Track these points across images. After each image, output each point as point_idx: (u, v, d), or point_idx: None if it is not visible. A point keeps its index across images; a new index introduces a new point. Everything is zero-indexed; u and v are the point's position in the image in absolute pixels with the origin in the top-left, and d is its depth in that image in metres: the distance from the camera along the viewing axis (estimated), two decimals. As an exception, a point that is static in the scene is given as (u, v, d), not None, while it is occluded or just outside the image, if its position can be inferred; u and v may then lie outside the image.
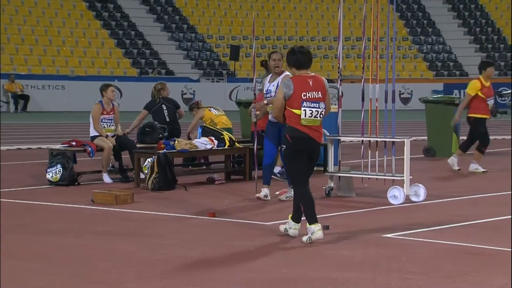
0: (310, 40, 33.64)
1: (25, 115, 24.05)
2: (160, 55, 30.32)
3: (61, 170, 9.00)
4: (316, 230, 5.92)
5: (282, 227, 6.21)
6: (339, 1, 8.30)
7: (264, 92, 8.07)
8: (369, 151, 8.35)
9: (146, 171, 8.92)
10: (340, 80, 8.52)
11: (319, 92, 6.07)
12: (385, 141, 8.30)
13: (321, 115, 6.05)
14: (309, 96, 6.01)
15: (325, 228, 6.42)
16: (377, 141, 8.33)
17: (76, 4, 30.83)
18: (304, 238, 5.93)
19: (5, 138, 15.72)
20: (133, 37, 30.71)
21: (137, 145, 9.74)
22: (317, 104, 6.03)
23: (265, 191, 7.95)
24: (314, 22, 34.62)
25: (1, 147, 12.68)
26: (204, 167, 10.58)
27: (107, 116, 9.71)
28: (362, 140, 8.47)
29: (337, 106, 8.68)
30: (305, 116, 5.98)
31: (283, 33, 33.76)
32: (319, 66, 32.56)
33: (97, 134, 9.61)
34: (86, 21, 30.31)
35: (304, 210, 6.00)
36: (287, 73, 7.69)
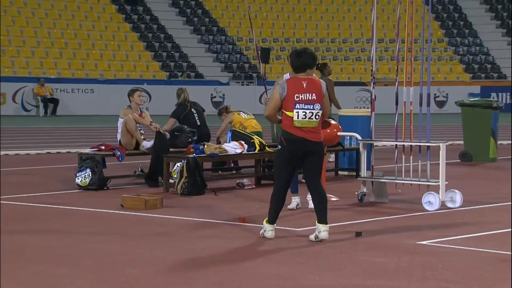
0: (342, 42, 33.53)
1: (55, 119, 24.38)
2: (190, 58, 30.49)
3: (90, 175, 9.10)
4: (268, 229, 6.31)
5: (312, 236, 6.28)
6: (373, 2, 8.25)
7: None
8: (403, 156, 8.28)
9: (175, 176, 8.97)
10: (373, 83, 8.47)
11: (313, 94, 6.18)
12: (419, 146, 8.23)
13: (316, 117, 6.13)
14: (302, 98, 6.15)
15: (358, 234, 6.39)
16: (411, 145, 8.26)
17: (105, 7, 31.18)
18: (261, 232, 6.34)
19: (35, 142, 15.96)
20: (162, 40, 30.94)
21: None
22: (312, 106, 6.14)
23: (296, 200, 7.82)
24: (346, 23, 34.49)
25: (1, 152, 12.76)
26: (234, 171, 10.60)
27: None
28: (396, 145, 8.40)
29: (370, 110, 8.63)
30: (297, 118, 6.11)
31: (314, 35, 33.69)
32: (351, 69, 32.43)
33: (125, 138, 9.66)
34: (115, 24, 30.64)
35: (270, 208, 6.34)
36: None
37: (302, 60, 6.25)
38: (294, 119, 6.14)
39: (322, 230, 6.15)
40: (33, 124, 21.18)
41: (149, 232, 6.68)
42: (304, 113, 6.14)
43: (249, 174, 10.10)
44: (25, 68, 27.15)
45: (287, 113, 6.17)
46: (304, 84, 6.18)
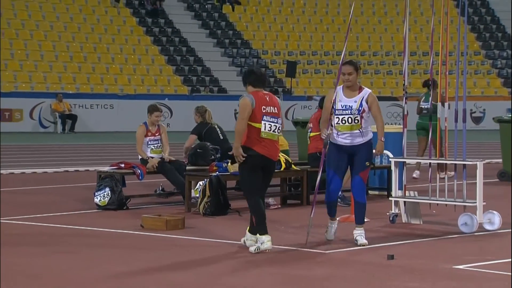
0: (372, 55, 33.48)
1: (73, 135, 24.61)
2: (212, 72, 30.66)
3: (110, 194, 9.16)
4: (266, 241, 6.64)
5: (242, 240, 6.89)
6: (405, 13, 8.25)
7: (340, 107, 6.93)
8: (438, 175, 8.22)
9: (198, 195, 8.99)
10: (406, 98, 8.44)
11: (275, 108, 6.91)
12: (455, 164, 8.17)
13: (278, 130, 6.88)
14: (267, 110, 6.84)
15: (390, 258, 6.34)
16: (446, 164, 8.19)
17: (126, 20, 31.52)
18: (252, 248, 6.60)
19: (53, 160, 16.12)
20: (184, 53, 31.16)
21: (188, 167, 9.84)
22: (275, 119, 6.86)
23: (363, 234, 7.02)
24: (377, 36, 34.45)
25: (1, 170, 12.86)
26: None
27: (152, 137, 9.87)
28: (430, 163, 8.35)
29: (402, 126, 8.59)
30: (264, 129, 6.78)
31: (343, 48, 33.64)
32: (381, 83, 32.34)
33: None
34: (136, 37, 30.94)
35: (255, 221, 6.77)
36: (369, 90, 6.97)
37: (265, 77, 7.01)
38: (261, 130, 6.78)
39: (266, 241, 6.68)
40: (50, 141, 21.40)
41: (170, 254, 6.69)
42: (270, 125, 6.83)
43: (274, 193, 10.09)
44: (43, 83, 27.49)
45: (253, 124, 6.76)
46: (267, 98, 6.89)
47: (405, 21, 8.27)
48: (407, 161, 8.59)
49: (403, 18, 8.30)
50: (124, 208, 9.26)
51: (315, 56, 32.99)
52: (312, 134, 9.86)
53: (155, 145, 9.86)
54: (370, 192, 10.93)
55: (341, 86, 7.04)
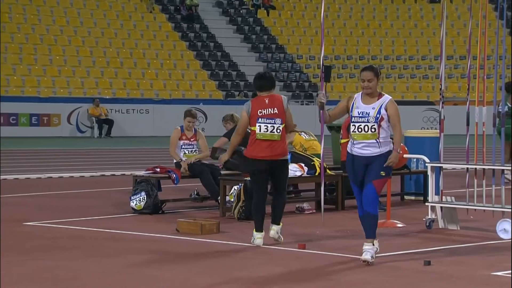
0: (408, 59, 33.22)
1: (109, 140, 24.86)
2: (247, 77, 30.70)
3: (145, 198, 9.21)
4: (256, 237, 7.16)
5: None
6: (442, 17, 8.16)
7: (357, 114, 6.43)
8: (475, 180, 8.10)
9: (232, 200, 9.00)
10: (442, 102, 8.35)
11: (275, 108, 7.18)
12: (493, 169, 8.04)
13: (278, 130, 7.10)
14: (264, 113, 7.16)
15: (427, 264, 6.26)
16: (484, 168, 8.08)
17: (162, 25, 31.77)
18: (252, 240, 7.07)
19: (89, 164, 16.29)
20: (219, 58, 31.28)
21: (222, 172, 9.85)
22: (273, 120, 7.14)
23: (371, 251, 6.35)
24: (413, 40, 34.17)
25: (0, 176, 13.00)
26: (293, 195, 10.57)
27: (187, 141, 9.90)
28: (467, 168, 8.24)
29: (438, 131, 8.50)
30: (260, 131, 7.12)
31: (379, 52, 33.49)
32: (417, 87, 32.05)
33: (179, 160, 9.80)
34: (171, 42, 31.16)
35: (254, 218, 7.23)
36: (389, 97, 6.46)
37: (269, 81, 7.27)
38: (256, 131, 7.13)
39: (257, 238, 7.13)
40: (87, 146, 21.64)
41: (206, 258, 6.70)
42: (266, 127, 7.13)
43: (309, 198, 10.05)
44: (80, 88, 27.83)
45: (252, 128, 7.20)
46: (266, 100, 7.21)
47: (442, 24, 8.18)
48: (444, 166, 8.49)
49: (440, 21, 8.21)
50: (160, 212, 9.30)
51: (350, 60, 32.83)
52: (343, 141, 9.82)
53: (189, 150, 9.89)
54: (406, 197, 10.83)
55: (360, 93, 6.48)
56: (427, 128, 27.56)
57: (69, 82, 27.88)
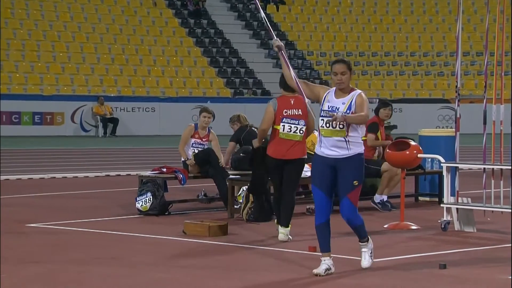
0: (422, 55, 33.13)
1: (114, 139, 24.91)
2: (256, 74, 30.72)
3: (151, 199, 9.23)
4: (280, 232, 7.59)
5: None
6: (458, 12, 8.14)
7: (327, 108, 6.11)
8: (492, 181, 8.08)
9: (241, 201, 9.00)
10: (458, 100, 8.33)
11: (299, 110, 7.61)
12: (511, 169, 8.01)
13: (301, 131, 7.55)
14: (289, 113, 7.60)
15: (442, 267, 6.25)
16: (501, 169, 8.05)
17: (168, 21, 31.80)
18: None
19: (94, 164, 16.34)
20: (227, 55, 31.29)
21: (230, 172, 9.85)
22: (297, 121, 7.58)
23: (326, 263, 6.07)
24: (428, 35, 34.09)
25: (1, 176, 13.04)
26: (303, 196, 10.57)
27: (199, 140, 9.89)
28: (484, 168, 8.21)
29: (454, 130, 8.48)
30: (283, 130, 7.55)
31: (392, 48, 33.42)
32: (432, 85, 31.96)
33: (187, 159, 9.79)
34: (178, 38, 31.19)
35: (276, 213, 7.82)
36: (360, 91, 6.14)
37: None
38: (280, 131, 7.55)
39: (280, 231, 7.55)
40: (92, 145, 21.70)
41: (213, 260, 6.71)
42: (289, 127, 7.57)
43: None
44: (85, 86, 27.91)
45: (275, 126, 7.62)
46: (292, 101, 7.62)
47: (458, 19, 8.16)
48: (460, 166, 8.46)
49: (456, 16, 8.18)
50: (166, 213, 9.32)
51: (362, 57, 32.78)
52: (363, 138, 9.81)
53: (199, 150, 9.88)
54: (420, 198, 10.81)
55: (334, 88, 6.15)
56: (442, 127, 27.49)
57: (73, 79, 27.96)
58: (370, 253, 6.31)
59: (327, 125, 6.02)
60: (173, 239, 7.77)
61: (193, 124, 10.00)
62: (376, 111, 10.10)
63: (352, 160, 5.99)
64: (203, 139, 9.93)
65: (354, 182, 6.00)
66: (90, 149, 20.34)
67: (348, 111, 5.98)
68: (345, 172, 5.97)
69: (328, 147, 6.02)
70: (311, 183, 6.27)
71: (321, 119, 6.08)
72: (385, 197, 9.81)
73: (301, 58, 32.00)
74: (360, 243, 6.31)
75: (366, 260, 6.28)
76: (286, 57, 6.34)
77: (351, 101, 6.05)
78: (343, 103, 6.05)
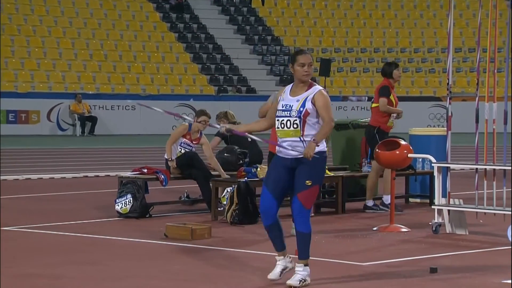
0: (413, 52, 33.29)
1: (92, 138, 24.84)
2: (241, 71, 30.74)
3: (131, 201, 9.21)
4: (293, 228, 6.58)
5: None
6: (449, 6, 8.18)
7: (281, 107, 5.96)
8: (485, 181, 8.13)
9: (225, 202, 9.01)
10: (450, 98, 8.37)
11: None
12: (504, 170, 8.07)
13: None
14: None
15: (433, 271, 6.29)
16: (494, 169, 8.11)
17: (149, 15, 31.75)
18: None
19: (71, 164, 16.28)
20: (210, 50, 31.29)
21: (214, 173, 9.86)
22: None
23: (280, 264, 5.99)
24: (418, 31, 34.25)
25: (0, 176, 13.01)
26: (289, 197, 10.59)
27: (188, 141, 9.89)
28: (477, 169, 8.27)
29: (445, 128, 8.52)
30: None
31: (382, 44, 33.56)
32: (423, 82, 32.13)
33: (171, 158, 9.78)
34: (159, 33, 31.15)
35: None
36: (319, 87, 5.96)
37: None
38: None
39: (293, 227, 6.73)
40: (69, 145, 21.63)
41: (196, 265, 6.71)
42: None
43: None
44: (61, 83, 27.80)
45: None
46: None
47: (449, 14, 8.21)
48: (452, 166, 8.51)
49: (447, 11, 8.23)
50: (147, 216, 9.31)
51: (351, 53, 32.89)
52: (374, 105, 9.92)
53: (186, 151, 9.86)
54: (411, 199, 10.86)
55: (291, 84, 6.00)
56: (434, 126, 27.63)
57: (49, 76, 27.85)
58: (302, 280, 5.81)
59: (282, 125, 5.87)
60: (154, 242, 7.76)
61: (187, 124, 9.97)
62: (386, 73, 9.70)
63: (309, 160, 5.76)
64: (194, 142, 9.92)
65: (307, 182, 5.80)
66: (67, 149, 20.27)
67: (302, 109, 5.81)
68: (299, 171, 5.83)
69: (286, 147, 5.87)
70: (263, 182, 6.04)
71: (276, 120, 5.93)
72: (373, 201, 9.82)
73: (287, 54, 32.03)
74: (297, 263, 5.89)
75: (292, 280, 5.81)
76: (240, 131, 6.21)
77: (306, 98, 5.85)
78: (297, 101, 5.86)
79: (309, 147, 5.72)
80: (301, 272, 5.87)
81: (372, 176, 9.71)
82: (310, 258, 6.02)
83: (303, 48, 32.66)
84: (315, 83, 5.97)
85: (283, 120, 5.86)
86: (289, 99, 5.92)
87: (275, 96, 6.10)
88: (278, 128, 5.91)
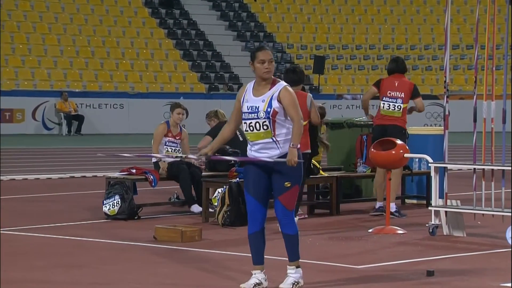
0: (409, 48, 33.35)
1: (79, 138, 24.80)
2: (232, 68, 30.74)
3: (119, 202, 9.21)
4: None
5: None
6: (446, 2, 8.21)
7: (246, 110, 5.87)
8: (483, 182, 8.16)
9: (216, 204, 9.01)
10: (447, 97, 8.39)
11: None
12: (503, 170, 8.10)
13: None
14: None
15: (430, 274, 6.30)
16: (493, 169, 8.14)
17: (137, 11, 31.70)
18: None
19: (57, 164, 16.25)
20: (201, 47, 31.27)
21: (205, 173, 9.86)
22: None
23: (256, 277, 5.92)
24: (415, 27, 34.31)
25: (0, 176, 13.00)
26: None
27: (172, 139, 9.90)
28: (474, 169, 8.29)
29: (442, 128, 8.55)
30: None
31: (377, 41, 33.61)
32: (420, 80, 32.19)
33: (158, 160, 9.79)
34: (148, 29, 31.11)
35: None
36: (283, 83, 5.87)
37: (299, 76, 8.23)
38: None
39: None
40: (55, 145, 21.57)
41: (186, 268, 6.71)
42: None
43: (301, 202, 10.06)
44: (47, 80, 27.74)
45: None
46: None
47: (446, 10, 8.23)
48: (449, 166, 8.53)
49: (445, 7, 8.25)
50: (136, 217, 9.30)
51: (345, 50, 32.93)
52: (404, 105, 9.88)
53: (173, 148, 9.89)
54: (407, 200, 10.88)
55: (252, 82, 5.94)
56: (431, 125, 27.69)
57: (34, 73, 27.77)
58: (295, 283, 5.82)
59: (251, 128, 5.77)
60: (143, 245, 7.75)
61: (165, 122, 10.00)
62: (405, 69, 9.97)
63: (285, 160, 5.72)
64: (176, 137, 9.95)
65: (286, 183, 5.76)
66: (53, 149, 20.23)
67: (269, 109, 5.72)
68: (276, 174, 5.78)
69: (258, 151, 5.79)
70: (244, 188, 5.95)
71: (244, 123, 5.83)
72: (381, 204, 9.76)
73: (280, 51, 32.05)
74: (288, 266, 5.90)
75: (284, 284, 5.81)
76: (215, 148, 6.06)
77: (272, 96, 5.76)
78: (263, 101, 5.76)
79: (291, 153, 5.68)
80: (293, 274, 5.85)
81: (377, 180, 9.62)
82: (303, 261, 6.04)
83: (296, 44, 32.70)
84: (278, 79, 5.91)
85: (251, 122, 5.78)
86: (253, 99, 5.82)
87: (237, 97, 5.93)
88: (247, 131, 5.81)
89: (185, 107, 10.18)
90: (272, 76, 5.85)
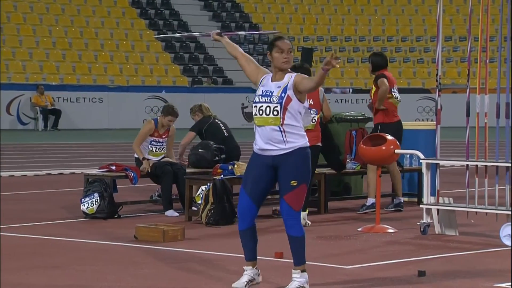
0: (400, 40, 33.46)
1: (56, 133, 24.74)
2: (216, 61, 30.73)
3: (98, 200, 9.20)
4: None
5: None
6: (438, -8, 8.24)
7: (260, 93, 5.90)
8: (476, 179, 8.21)
9: (200, 202, 9.02)
10: (439, 90, 8.44)
11: (310, 100, 8.49)
12: (497, 167, 8.15)
13: (313, 120, 7.85)
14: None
15: (421, 274, 6.34)
16: (486, 166, 8.18)
17: (117, 0, 31.63)
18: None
19: (33, 161, 16.20)
20: (184, 39, 31.23)
21: (188, 170, 9.86)
22: (309, 110, 8.41)
23: (247, 274, 5.97)
24: (406, 18, 34.43)
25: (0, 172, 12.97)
26: (269, 196, 10.62)
27: (158, 138, 9.88)
28: (467, 165, 8.34)
29: (435, 122, 8.59)
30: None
31: (367, 32, 33.70)
32: (411, 73, 32.31)
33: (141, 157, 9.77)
34: (128, 20, 31.05)
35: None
36: (296, 73, 5.96)
37: (307, 71, 8.38)
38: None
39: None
40: (30, 140, 21.51)
41: (169, 268, 6.72)
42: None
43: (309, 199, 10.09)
44: (22, 73, 27.62)
45: None
46: None
47: (438, 1, 8.26)
48: (441, 163, 8.57)
49: (437, -3, 8.28)
50: (115, 216, 9.30)
51: (334, 42, 32.99)
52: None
53: (158, 148, 9.86)
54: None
55: (271, 74, 5.96)
56: (422, 120, 27.80)
57: (8, 65, 27.65)
58: (301, 284, 5.80)
59: (260, 112, 5.78)
60: (123, 245, 7.75)
61: (153, 121, 9.95)
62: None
63: (292, 156, 5.73)
64: (163, 136, 9.93)
65: (292, 182, 5.72)
66: (28, 145, 20.16)
67: (283, 94, 5.76)
68: (283, 171, 5.76)
69: (263, 140, 5.76)
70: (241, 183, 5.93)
71: (254, 106, 5.84)
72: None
73: (266, 43, 32.05)
74: (293, 270, 5.86)
75: (295, 285, 5.78)
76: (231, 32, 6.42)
77: (287, 83, 5.81)
78: (278, 87, 5.82)
79: (326, 63, 5.68)
80: (298, 279, 5.81)
81: (371, 177, 9.62)
82: (289, 261, 6.03)
83: (284, 36, 32.68)
84: (292, 72, 5.96)
85: (262, 106, 5.78)
86: (269, 85, 5.87)
87: (260, 73, 5.98)
88: (256, 115, 5.81)
89: (178, 113, 10.03)
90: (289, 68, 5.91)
